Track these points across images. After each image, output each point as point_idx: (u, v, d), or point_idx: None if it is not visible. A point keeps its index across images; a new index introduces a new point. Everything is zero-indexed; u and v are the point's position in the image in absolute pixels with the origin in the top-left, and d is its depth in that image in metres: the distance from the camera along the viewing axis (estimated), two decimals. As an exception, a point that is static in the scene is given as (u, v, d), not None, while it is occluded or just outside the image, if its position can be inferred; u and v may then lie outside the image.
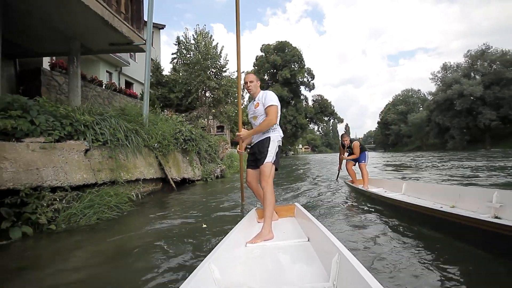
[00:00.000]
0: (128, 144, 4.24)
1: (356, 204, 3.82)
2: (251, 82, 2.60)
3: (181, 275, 1.67)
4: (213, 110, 15.46)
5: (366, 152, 5.20)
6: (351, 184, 5.16)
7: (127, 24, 5.13)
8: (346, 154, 5.43)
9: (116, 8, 5.10)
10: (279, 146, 2.50)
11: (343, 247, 1.33)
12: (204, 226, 2.79)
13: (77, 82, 5.44)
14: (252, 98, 2.71)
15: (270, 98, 2.46)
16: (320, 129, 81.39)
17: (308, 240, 1.95)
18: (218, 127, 25.72)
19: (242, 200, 4.01)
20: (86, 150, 3.47)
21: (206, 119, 15.96)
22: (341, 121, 54.96)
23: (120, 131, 4.16)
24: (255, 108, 2.59)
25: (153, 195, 4.89)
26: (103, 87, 8.82)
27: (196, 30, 14.56)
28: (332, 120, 56.52)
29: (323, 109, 51.23)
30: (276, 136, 2.49)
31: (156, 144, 5.23)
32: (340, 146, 5.77)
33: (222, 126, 24.89)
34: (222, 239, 1.69)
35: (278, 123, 2.56)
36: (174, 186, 5.48)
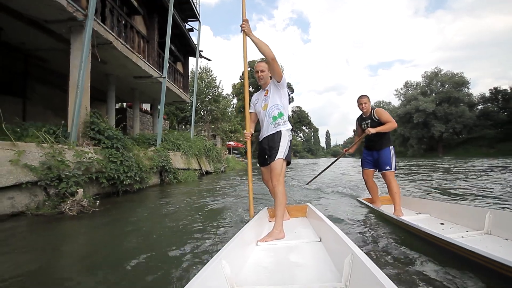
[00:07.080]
0: (190, 153, 9.50)
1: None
2: (262, 71, 2.43)
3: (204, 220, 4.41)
4: (212, 126, 20.85)
5: (391, 148, 3.19)
6: (370, 204, 3.43)
7: (185, 94, 10.41)
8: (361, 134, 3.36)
9: (178, 84, 10.38)
10: (290, 140, 2.39)
11: (356, 247, 1.31)
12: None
13: (159, 121, 10.61)
14: (259, 89, 2.58)
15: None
16: (302, 135, 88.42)
17: (320, 241, 1.93)
18: (211, 135, 31.73)
19: (250, 215, 2.63)
20: (181, 155, 8.71)
21: (206, 132, 21.23)
22: (317, 131, 61.77)
23: (186, 146, 9.40)
24: (264, 95, 2.45)
25: (199, 176, 10.13)
26: (150, 115, 13.96)
27: (200, 67, 19.96)
28: (312, 128, 63.28)
29: (301, 119, 57.88)
30: (286, 130, 2.39)
31: (196, 152, 10.47)
32: (356, 122, 3.53)
33: (215, 134, 30.73)
34: (233, 236, 1.71)
35: (287, 117, 2.45)
36: (204, 174, 10.72)
